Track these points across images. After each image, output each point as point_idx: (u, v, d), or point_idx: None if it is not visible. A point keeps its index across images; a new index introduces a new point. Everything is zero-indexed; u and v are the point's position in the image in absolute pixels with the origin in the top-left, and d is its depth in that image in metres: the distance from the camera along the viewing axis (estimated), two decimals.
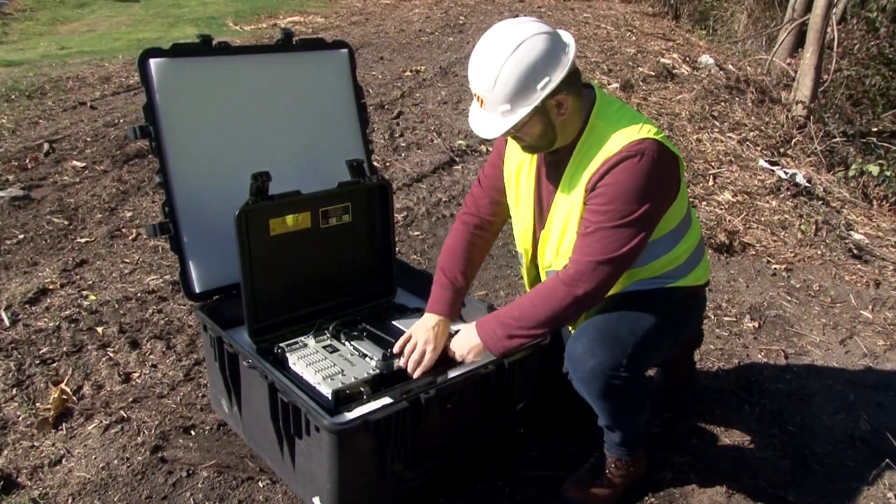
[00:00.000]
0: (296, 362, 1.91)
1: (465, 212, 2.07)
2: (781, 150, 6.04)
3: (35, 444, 2.09)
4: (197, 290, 2.05)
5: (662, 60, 6.96)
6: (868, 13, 8.57)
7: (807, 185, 5.21)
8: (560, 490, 1.99)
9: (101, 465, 2.00)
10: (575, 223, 1.75)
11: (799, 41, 8.19)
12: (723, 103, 6.38)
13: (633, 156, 1.64)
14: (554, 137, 1.73)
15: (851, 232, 4.71)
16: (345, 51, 2.33)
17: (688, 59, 7.30)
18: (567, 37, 1.69)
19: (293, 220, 2.01)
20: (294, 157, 2.21)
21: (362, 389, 1.80)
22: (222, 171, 2.05)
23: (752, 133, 5.98)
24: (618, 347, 1.73)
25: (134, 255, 3.21)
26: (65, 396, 2.26)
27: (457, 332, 1.93)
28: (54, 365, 2.42)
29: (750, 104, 6.57)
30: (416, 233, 3.63)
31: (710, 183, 4.88)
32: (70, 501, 1.89)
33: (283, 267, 2.03)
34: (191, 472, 1.99)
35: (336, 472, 1.65)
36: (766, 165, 5.41)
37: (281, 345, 1.97)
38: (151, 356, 2.52)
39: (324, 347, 1.99)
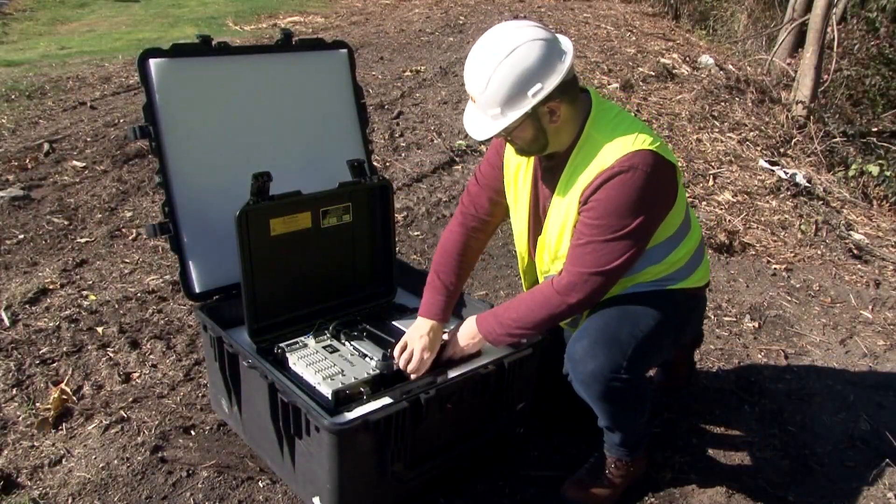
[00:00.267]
0: (296, 362, 1.91)
1: (462, 210, 2.06)
2: (781, 150, 6.04)
3: (35, 444, 2.09)
4: (197, 290, 2.05)
5: (662, 60, 6.96)
6: (868, 13, 8.56)
7: (807, 185, 5.21)
8: (560, 490, 1.99)
9: (101, 465, 2.00)
10: (570, 231, 1.76)
11: (799, 41, 8.19)
12: (723, 103, 6.38)
13: (625, 171, 1.64)
14: (546, 143, 1.73)
15: (851, 232, 4.71)
16: (344, 51, 2.33)
17: (688, 59, 7.30)
18: (566, 44, 1.67)
19: (294, 221, 2.01)
20: (293, 157, 2.21)
21: (362, 389, 1.80)
22: (222, 171, 2.06)
23: (752, 133, 5.98)
24: (618, 349, 1.73)
25: (134, 255, 3.21)
26: (65, 396, 2.26)
27: (452, 329, 1.96)
28: (54, 365, 2.42)
29: (750, 104, 6.57)
30: (416, 233, 3.63)
31: (710, 183, 4.89)
32: (70, 501, 1.89)
33: (284, 267, 2.03)
34: (191, 472, 1.99)
35: (336, 472, 1.65)
36: (766, 165, 5.41)
37: (281, 345, 1.97)
38: (151, 356, 2.52)
39: (324, 347, 1.99)
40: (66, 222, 3.43)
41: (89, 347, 2.52)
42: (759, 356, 2.87)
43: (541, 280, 1.97)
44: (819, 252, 4.21)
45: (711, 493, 2.04)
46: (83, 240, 3.31)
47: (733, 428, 2.38)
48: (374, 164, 3.09)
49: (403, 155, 4.41)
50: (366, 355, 1.95)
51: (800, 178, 5.25)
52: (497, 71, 1.59)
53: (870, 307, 3.46)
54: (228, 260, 1.95)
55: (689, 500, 2.02)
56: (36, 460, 2.02)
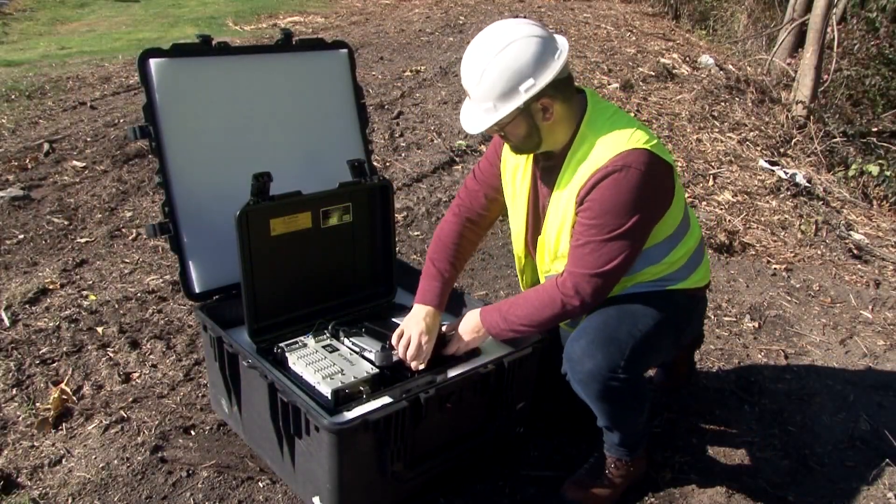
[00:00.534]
0: (295, 362, 1.91)
1: (458, 203, 2.07)
2: (781, 150, 6.05)
3: (35, 444, 2.09)
4: (197, 290, 2.05)
5: (662, 60, 6.96)
6: (868, 13, 8.56)
7: (807, 185, 5.21)
8: (560, 490, 1.99)
9: (101, 465, 2.00)
10: (569, 230, 1.77)
11: (799, 41, 8.19)
12: (723, 103, 6.38)
13: (618, 170, 1.64)
14: (539, 140, 1.74)
15: (851, 232, 4.71)
16: (344, 51, 2.33)
17: (688, 59, 7.30)
18: (561, 42, 1.69)
19: (294, 221, 2.01)
20: (294, 157, 2.21)
21: (362, 389, 1.80)
22: (222, 171, 2.06)
23: (752, 133, 5.98)
24: (616, 349, 1.74)
25: (134, 255, 3.21)
26: (65, 396, 2.26)
27: (454, 322, 1.98)
28: (54, 365, 2.43)
29: (750, 104, 6.57)
30: (416, 233, 3.63)
31: (710, 183, 4.89)
32: (70, 501, 1.89)
33: (284, 267, 2.03)
34: (191, 472, 1.99)
35: (336, 472, 1.65)
36: (766, 165, 5.41)
37: (281, 345, 1.97)
38: (151, 356, 2.52)
39: (323, 347, 1.99)
40: (66, 222, 3.44)
41: (89, 347, 2.52)
42: (759, 356, 2.87)
43: (542, 279, 1.97)
44: (819, 252, 4.21)
45: (711, 493, 2.04)
46: (83, 240, 3.31)
47: (733, 428, 2.38)
48: (374, 164, 3.09)
49: (403, 155, 4.41)
50: (365, 349, 1.95)
51: (800, 178, 5.25)
52: (490, 65, 1.61)
53: (870, 307, 3.46)
54: (228, 260, 1.95)
55: (689, 500, 2.02)
56: (36, 460, 2.02)
